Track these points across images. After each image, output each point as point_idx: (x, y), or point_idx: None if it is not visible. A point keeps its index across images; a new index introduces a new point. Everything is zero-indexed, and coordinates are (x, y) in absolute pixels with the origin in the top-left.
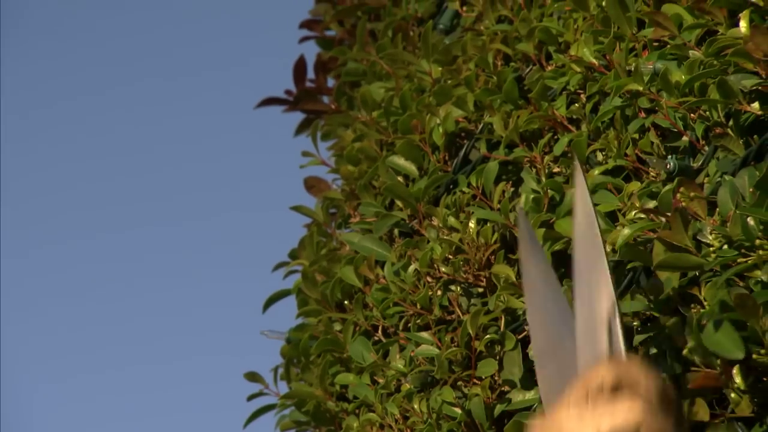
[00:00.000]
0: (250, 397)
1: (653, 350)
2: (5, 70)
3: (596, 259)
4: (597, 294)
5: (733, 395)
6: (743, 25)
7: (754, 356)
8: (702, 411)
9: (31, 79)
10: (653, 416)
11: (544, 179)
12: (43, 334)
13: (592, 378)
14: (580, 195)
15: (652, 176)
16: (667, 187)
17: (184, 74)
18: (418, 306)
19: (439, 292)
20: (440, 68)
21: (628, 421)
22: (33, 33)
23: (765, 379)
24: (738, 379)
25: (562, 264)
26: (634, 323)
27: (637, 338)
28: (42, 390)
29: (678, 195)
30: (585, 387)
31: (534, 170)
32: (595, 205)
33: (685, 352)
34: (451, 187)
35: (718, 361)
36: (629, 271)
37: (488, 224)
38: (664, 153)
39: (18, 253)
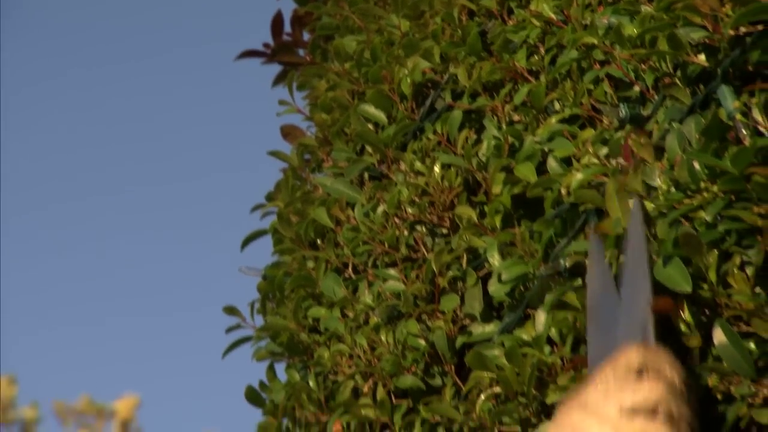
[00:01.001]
0: (229, 330)
1: None
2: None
3: (642, 269)
4: (638, 296)
5: (683, 328)
6: None
7: (699, 291)
8: None
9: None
10: (673, 399)
11: (504, 127)
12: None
13: (621, 360)
14: (635, 216)
15: (606, 124)
16: (619, 134)
17: (167, 29)
18: (386, 245)
19: (406, 232)
20: (409, 22)
21: (648, 400)
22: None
23: (708, 312)
24: (686, 314)
25: (520, 206)
26: (587, 261)
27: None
28: (38, 337)
29: (629, 141)
30: (613, 369)
31: (495, 118)
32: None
33: None
34: (418, 133)
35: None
36: (582, 213)
37: (452, 169)
38: (616, 102)
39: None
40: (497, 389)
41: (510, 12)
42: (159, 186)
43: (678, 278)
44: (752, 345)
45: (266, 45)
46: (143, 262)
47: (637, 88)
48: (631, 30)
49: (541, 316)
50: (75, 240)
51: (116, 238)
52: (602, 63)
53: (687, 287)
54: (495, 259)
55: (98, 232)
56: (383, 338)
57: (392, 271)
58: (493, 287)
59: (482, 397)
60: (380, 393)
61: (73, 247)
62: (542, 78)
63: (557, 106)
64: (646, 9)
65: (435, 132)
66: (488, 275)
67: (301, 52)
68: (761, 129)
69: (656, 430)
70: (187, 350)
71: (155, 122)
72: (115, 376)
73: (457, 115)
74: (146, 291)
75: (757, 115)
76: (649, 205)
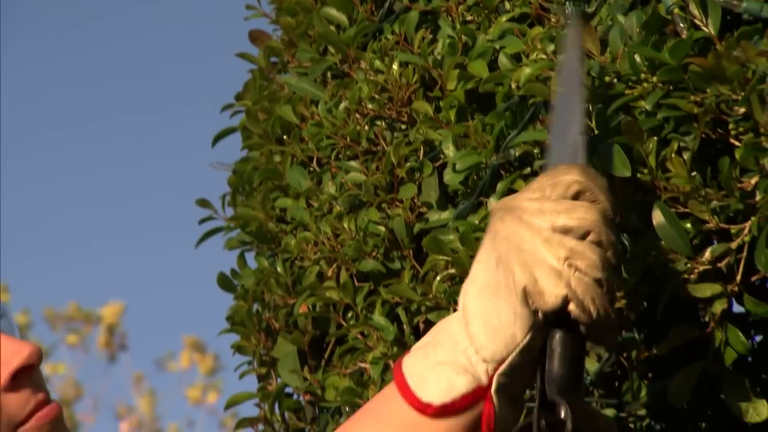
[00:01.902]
0: (201, 221)
1: None
2: None
3: (575, 96)
4: (572, 119)
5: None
6: None
7: (639, 175)
8: None
9: None
10: (603, 226)
11: (458, 26)
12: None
13: (560, 178)
14: (571, 44)
15: (553, 21)
16: (565, 31)
17: None
18: (348, 139)
19: (366, 127)
20: None
21: (582, 223)
22: None
23: (646, 197)
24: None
25: (473, 100)
26: (535, 151)
27: (537, 163)
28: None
29: None
30: (551, 183)
31: (450, 18)
32: (581, 58)
33: None
34: (377, 34)
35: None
36: (531, 106)
37: (409, 66)
38: (563, 0)
39: None
40: (452, 271)
41: None
42: (136, 88)
43: (618, 164)
44: (688, 225)
45: None
46: (122, 166)
47: None
48: None
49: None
50: (54, 144)
51: (97, 143)
52: None
53: (626, 172)
54: (450, 151)
55: (78, 133)
56: (346, 226)
57: (354, 164)
58: (448, 176)
59: (438, 278)
60: (343, 276)
61: (54, 150)
62: None
63: (507, 6)
64: None
65: (393, 32)
66: (443, 166)
67: None
68: (697, 22)
69: (584, 249)
70: (166, 253)
71: (138, 26)
72: (100, 283)
73: (413, 15)
74: (125, 195)
75: (693, 9)
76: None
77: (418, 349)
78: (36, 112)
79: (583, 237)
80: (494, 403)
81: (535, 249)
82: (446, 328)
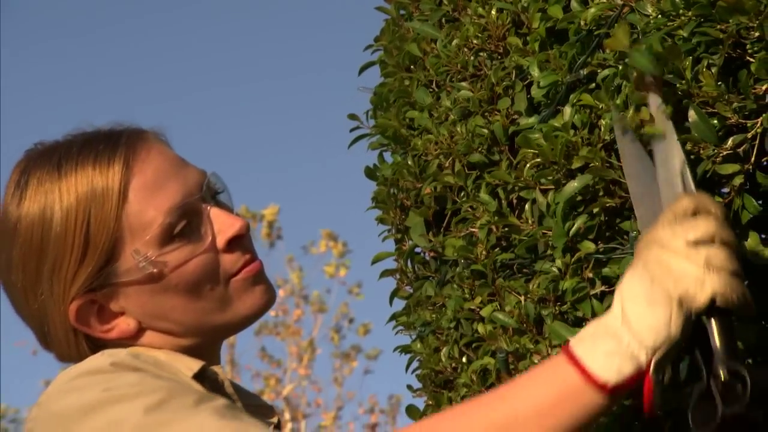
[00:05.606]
0: (352, 129)
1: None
2: None
3: (671, 138)
4: (671, 157)
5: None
6: None
7: (677, 85)
8: None
9: None
10: (723, 229)
11: None
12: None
13: (678, 207)
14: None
15: None
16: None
17: None
18: (459, 66)
19: (472, 57)
20: None
21: (706, 232)
22: None
23: (684, 100)
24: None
25: (552, 35)
26: (598, 71)
27: (603, 73)
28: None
29: None
30: (673, 213)
31: None
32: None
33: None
34: None
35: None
36: (596, 37)
37: (504, 12)
38: None
39: None
40: (538, 160)
41: None
42: (312, 45)
43: (645, 63)
44: (715, 121)
45: None
46: (292, 98)
47: None
48: None
49: (567, 110)
50: (224, 69)
51: (272, 92)
52: None
53: (658, 71)
54: (535, 72)
55: (264, 82)
56: (458, 129)
57: (464, 84)
58: (534, 91)
59: (527, 165)
60: (457, 166)
61: (223, 75)
62: None
63: None
64: None
65: None
66: (530, 83)
67: None
68: None
69: (717, 253)
70: (324, 145)
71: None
72: (263, 191)
73: None
74: (288, 123)
75: None
76: (643, 26)
77: (583, 340)
78: (246, 62)
79: (711, 243)
80: (653, 379)
81: (681, 265)
82: (606, 327)
